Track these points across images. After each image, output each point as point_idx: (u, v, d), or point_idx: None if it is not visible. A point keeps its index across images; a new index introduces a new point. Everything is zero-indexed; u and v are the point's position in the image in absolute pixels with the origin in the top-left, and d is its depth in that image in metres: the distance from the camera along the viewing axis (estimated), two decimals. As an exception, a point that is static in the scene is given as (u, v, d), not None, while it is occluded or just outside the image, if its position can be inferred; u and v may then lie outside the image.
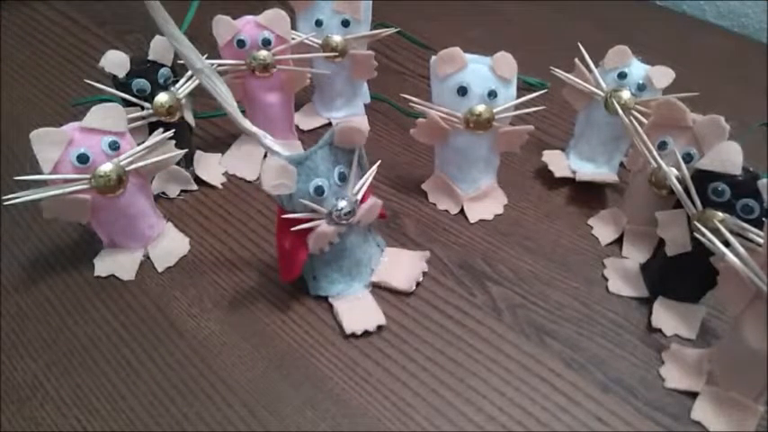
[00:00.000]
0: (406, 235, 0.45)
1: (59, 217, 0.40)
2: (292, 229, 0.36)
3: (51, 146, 0.37)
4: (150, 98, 0.44)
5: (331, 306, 0.40)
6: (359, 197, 0.38)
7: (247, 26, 0.47)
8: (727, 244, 0.33)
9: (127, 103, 0.44)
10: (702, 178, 0.36)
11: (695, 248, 0.37)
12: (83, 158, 0.38)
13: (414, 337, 0.39)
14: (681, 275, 0.39)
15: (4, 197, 0.38)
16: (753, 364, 0.32)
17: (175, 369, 0.37)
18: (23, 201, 0.38)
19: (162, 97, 0.44)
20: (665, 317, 0.39)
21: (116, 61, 0.43)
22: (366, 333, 0.39)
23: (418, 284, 0.41)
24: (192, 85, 0.46)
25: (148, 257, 0.43)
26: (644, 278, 0.42)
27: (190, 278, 0.42)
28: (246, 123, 0.36)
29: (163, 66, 0.45)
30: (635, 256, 0.43)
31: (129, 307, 0.40)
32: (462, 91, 0.43)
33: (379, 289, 0.41)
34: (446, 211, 0.47)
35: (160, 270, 0.42)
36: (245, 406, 0.35)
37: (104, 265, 0.42)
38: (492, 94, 0.43)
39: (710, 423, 0.34)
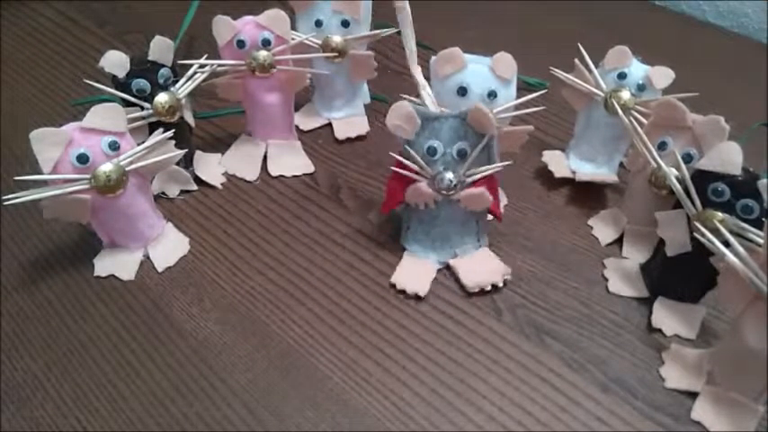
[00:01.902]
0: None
1: (59, 217, 0.40)
2: (392, 168, 0.40)
3: (51, 146, 0.37)
4: (150, 98, 0.44)
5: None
6: (470, 179, 0.40)
7: (247, 26, 0.47)
8: (727, 244, 0.33)
9: (127, 104, 0.44)
10: (702, 178, 0.36)
11: (695, 249, 0.37)
12: (83, 158, 0.38)
13: (414, 338, 0.39)
14: (681, 276, 0.39)
15: (4, 197, 0.38)
16: (753, 365, 0.32)
17: (175, 369, 0.37)
18: (23, 201, 0.38)
19: (162, 97, 0.44)
20: (665, 317, 0.39)
21: (116, 61, 0.43)
22: (403, 292, 0.41)
23: (483, 291, 0.41)
24: (192, 85, 0.46)
25: (148, 257, 0.43)
26: (644, 278, 0.42)
27: (189, 278, 0.42)
28: (415, 69, 0.41)
29: (163, 66, 0.45)
30: (635, 256, 0.43)
31: (128, 307, 0.40)
32: (462, 91, 0.43)
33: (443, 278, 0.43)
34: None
35: (160, 270, 0.42)
36: (246, 406, 0.35)
37: (104, 266, 0.42)
38: (492, 95, 0.43)
39: (710, 423, 0.34)
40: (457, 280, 0.42)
